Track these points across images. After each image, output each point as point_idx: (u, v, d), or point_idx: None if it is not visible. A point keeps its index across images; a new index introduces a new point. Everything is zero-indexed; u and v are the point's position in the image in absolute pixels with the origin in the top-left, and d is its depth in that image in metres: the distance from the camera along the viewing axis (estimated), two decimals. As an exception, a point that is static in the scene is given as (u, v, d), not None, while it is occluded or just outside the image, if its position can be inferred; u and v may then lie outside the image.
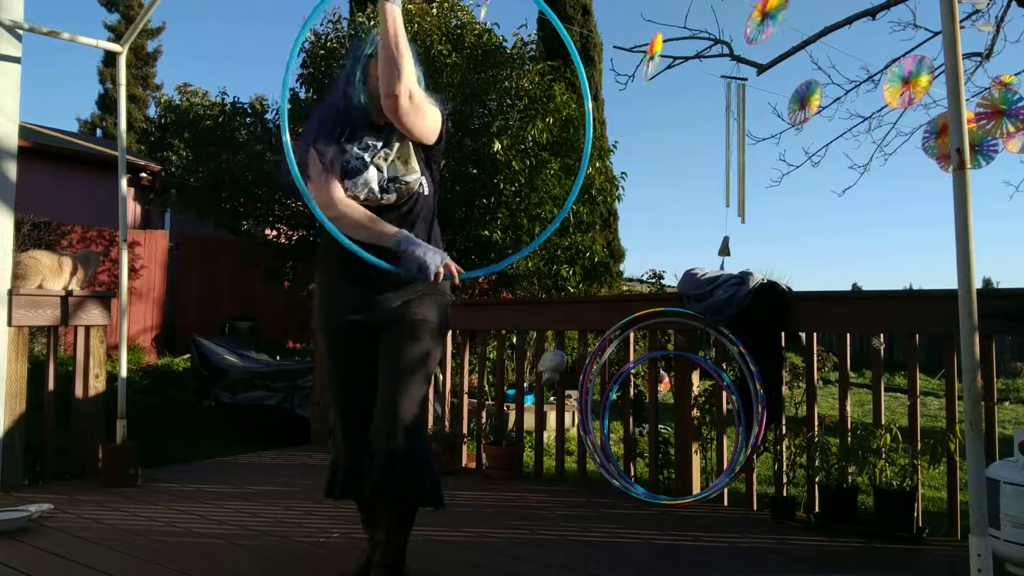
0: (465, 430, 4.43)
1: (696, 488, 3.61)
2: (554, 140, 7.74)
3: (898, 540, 2.83)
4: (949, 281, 2.02)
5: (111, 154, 11.65)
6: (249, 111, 8.91)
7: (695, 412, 3.68)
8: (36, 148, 11.21)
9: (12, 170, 3.65)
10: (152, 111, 18.88)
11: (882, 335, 3.22)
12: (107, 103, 23.05)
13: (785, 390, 3.43)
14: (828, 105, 5.24)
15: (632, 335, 3.85)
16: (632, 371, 3.99)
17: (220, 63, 46.10)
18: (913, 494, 2.88)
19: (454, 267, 2.11)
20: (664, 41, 4.31)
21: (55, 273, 3.84)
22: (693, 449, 3.64)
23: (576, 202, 7.75)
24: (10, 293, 3.63)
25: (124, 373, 4.00)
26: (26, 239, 8.43)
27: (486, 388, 5.00)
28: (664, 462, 3.91)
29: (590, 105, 2.38)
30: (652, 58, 4.22)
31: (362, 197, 2.16)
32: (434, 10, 7.89)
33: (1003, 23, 4.93)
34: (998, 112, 3.20)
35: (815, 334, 3.39)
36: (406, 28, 8.02)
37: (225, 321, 10.54)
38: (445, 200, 7.07)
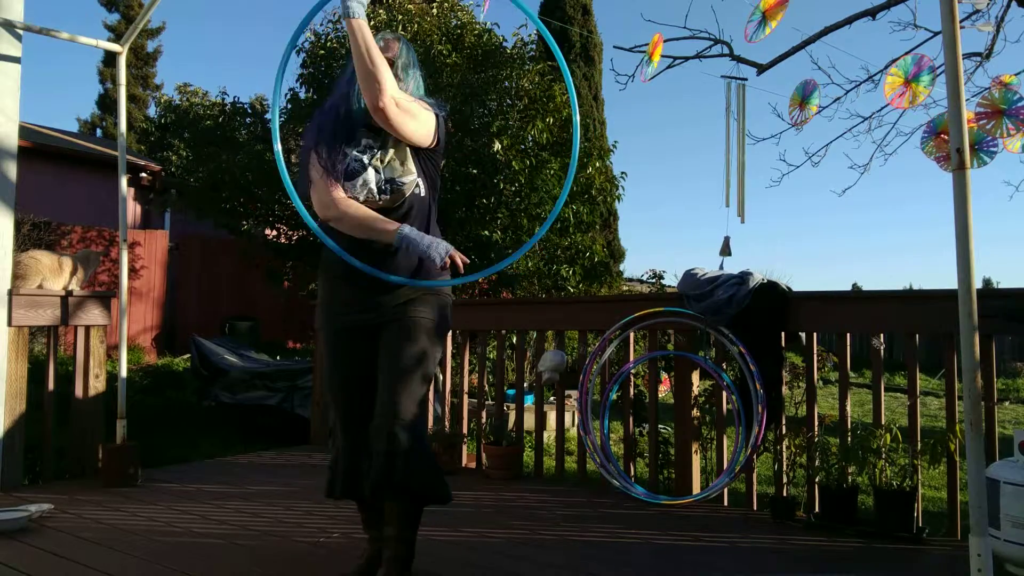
0: (465, 430, 4.43)
1: (696, 488, 3.61)
2: (554, 140, 7.73)
3: (898, 540, 2.83)
4: (949, 281, 2.02)
5: (111, 154, 11.65)
6: (249, 111, 8.91)
7: (695, 412, 3.68)
8: (36, 148, 11.21)
9: (12, 170, 3.65)
10: (152, 111, 18.92)
11: (882, 335, 3.22)
12: (107, 103, 23.05)
13: (785, 390, 3.43)
14: (828, 105, 5.25)
15: (632, 335, 3.85)
16: (632, 371, 3.99)
17: (220, 63, 46.09)
18: (913, 494, 2.88)
19: (459, 257, 2.13)
20: (664, 41, 4.30)
21: (55, 273, 3.84)
22: (693, 449, 3.64)
23: (576, 202, 7.75)
24: (10, 293, 3.63)
25: (124, 373, 4.00)
26: (26, 239, 8.43)
27: (486, 388, 5.00)
28: (664, 462, 3.91)
29: (576, 104, 2.38)
30: (652, 62, 4.22)
31: (361, 198, 2.17)
32: (434, 10, 7.88)
33: (1003, 23, 4.94)
34: (998, 112, 3.20)
35: (815, 334, 3.39)
36: (406, 28, 7.93)
37: (225, 321, 10.54)
38: (445, 200, 7.07)
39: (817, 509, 3.16)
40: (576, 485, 3.98)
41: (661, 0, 8.69)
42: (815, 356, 3.34)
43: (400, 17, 7.69)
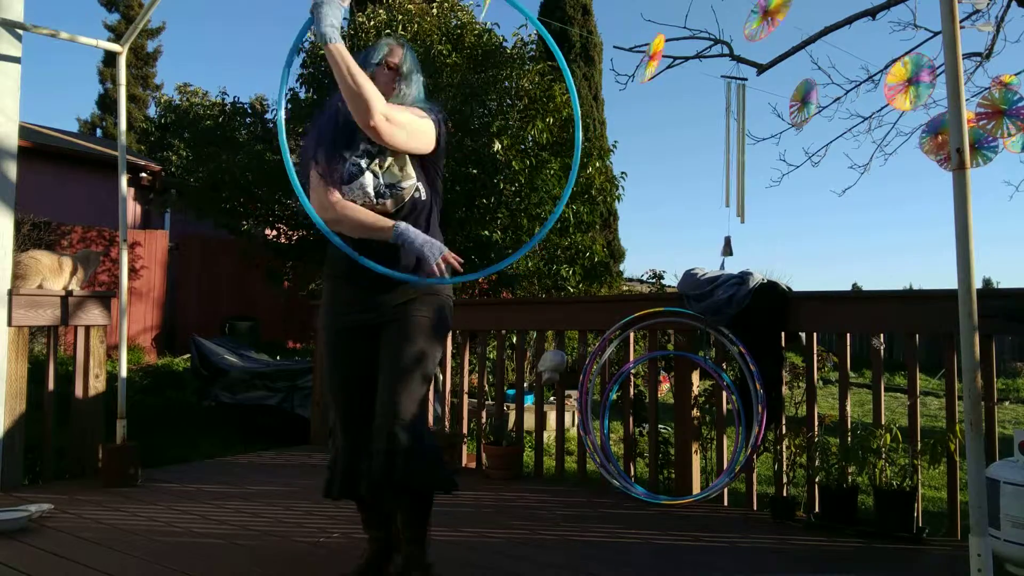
0: (465, 430, 4.43)
1: (696, 488, 3.61)
2: (554, 140, 7.73)
3: (898, 540, 2.83)
4: (949, 281, 2.02)
5: (111, 154, 11.65)
6: (249, 111, 8.91)
7: (695, 412, 3.68)
8: (36, 148, 11.21)
9: (12, 170, 3.65)
10: (152, 111, 18.88)
11: (882, 335, 3.22)
12: (107, 103, 23.05)
13: (785, 390, 3.43)
14: (828, 105, 5.25)
15: (632, 335, 3.86)
16: (632, 371, 3.99)
17: (220, 63, 46.11)
18: (913, 494, 2.88)
19: (452, 258, 2.13)
20: (664, 41, 4.30)
21: (55, 273, 3.84)
22: (693, 449, 3.64)
23: (576, 202, 7.75)
24: (10, 293, 3.63)
25: (124, 373, 4.00)
26: (26, 239, 8.43)
27: (486, 388, 5.00)
28: (664, 462, 3.91)
29: (577, 104, 2.37)
30: (650, 64, 4.22)
31: (359, 202, 2.18)
32: (434, 10, 7.88)
33: (1003, 23, 4.94)
34: (998, 112, 3.19)
35: (815, 334, 3.39)
36: (406, 28, 7.92)
37: (225, 321, 10.54)
38: (445, 200, 7.02)
39: (817, 509, 3.16)
40: (576, 485, 3.98)
41: (661, 0, 8.70)
42: (815, 356, 3.34)
43: (400, 17, 7.69)
